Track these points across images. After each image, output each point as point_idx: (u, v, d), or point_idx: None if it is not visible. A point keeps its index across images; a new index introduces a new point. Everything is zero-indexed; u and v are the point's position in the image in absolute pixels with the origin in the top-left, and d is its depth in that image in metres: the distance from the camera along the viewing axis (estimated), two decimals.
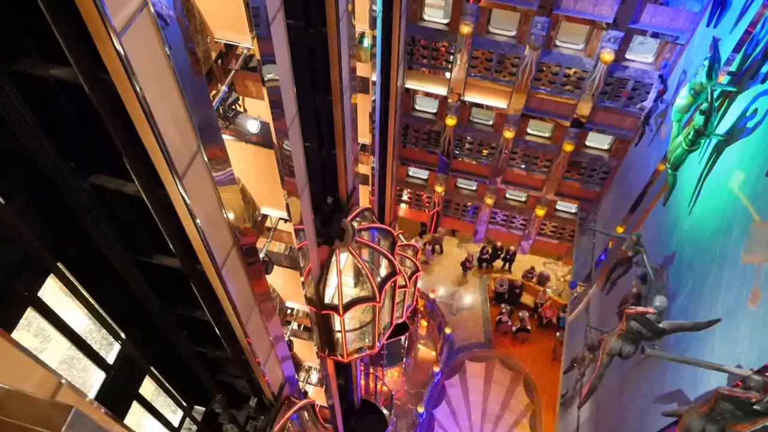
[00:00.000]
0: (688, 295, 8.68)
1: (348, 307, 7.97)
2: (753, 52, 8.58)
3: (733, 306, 7.04)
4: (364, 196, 12.27)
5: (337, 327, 8.43)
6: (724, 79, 9.11)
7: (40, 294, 4.50)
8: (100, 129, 3.82)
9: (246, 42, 4.23)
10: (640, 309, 8.22)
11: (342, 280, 7.81)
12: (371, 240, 8.95)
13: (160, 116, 3.34)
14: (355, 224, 8.29)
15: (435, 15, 15.80)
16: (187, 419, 8.03)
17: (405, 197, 21.62)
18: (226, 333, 6.08)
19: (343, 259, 8.00)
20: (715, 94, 8.55)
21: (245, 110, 5.00)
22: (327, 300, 7.97)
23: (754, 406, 5.84)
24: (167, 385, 7.08)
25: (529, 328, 19.49)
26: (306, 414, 8.52)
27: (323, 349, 8.82)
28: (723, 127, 8.79)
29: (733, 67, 9.06)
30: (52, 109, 4.02)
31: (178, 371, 7.20)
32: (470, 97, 16.86)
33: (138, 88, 3.10)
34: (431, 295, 20.28)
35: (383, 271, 8.92)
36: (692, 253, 8.97)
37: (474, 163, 19.33)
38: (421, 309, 20.06)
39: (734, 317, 6.93)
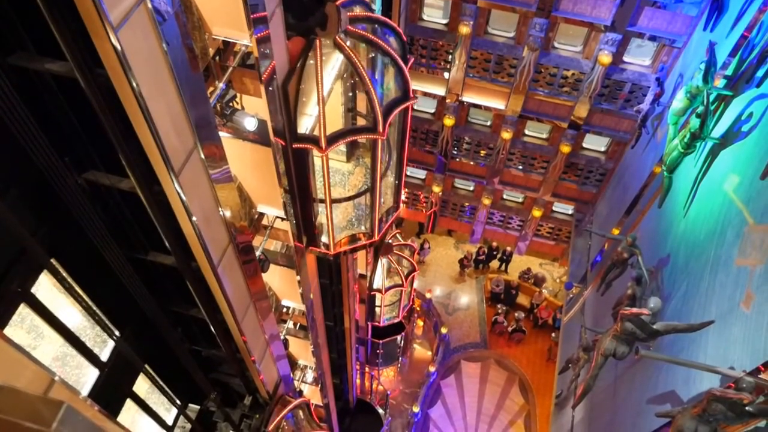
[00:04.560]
0: (682, 296, 8.72)
1: (334, 139, 4.94)
2: (749, 56, 8.62)
3: (726, 308, 7.08)
4: None
5: (320, 194, 5.41)
6: (720, 82, 9.15)
7: (33, 290, 4.48)
8: (96, 124, 3.80)
9: (244, 39, 4.22)
10: (635, 310, 8.23)
11: (325, 97, 4.75)
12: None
13: (157, 112, 3.32)
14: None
15: (434, 15, 15.80)
16: (181, 417, 8.01)
17: (402, 197, 21.62)
18: (222, 331, 6.07)
19: (330, 67, 5.04)
20: (711, 98, 8.59)
21: (242, 107, 4.98)
22: (303, 130, 4.98)
23: (746, 408, 5.88)
24: (161, 383, 7.07)
25: (524, 328, 19.53)
26: (301, 413, 8.51)
27: (299, 234, 5.91)
28: (718, 131, 8.82)
29: (729, 71, 9.10)
30: (47, 104, 4.00)
31: (173, 369, 7.19)
32: (468, 97, 16.88)
33: (134, 84, 3.09)
34: (427, 295, 20.28)
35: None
36: (687, 256, 9.01)
37: (471, 163, 19.35)
38: (418, 309, 20.04)
39: (727, 319, 6.96)
